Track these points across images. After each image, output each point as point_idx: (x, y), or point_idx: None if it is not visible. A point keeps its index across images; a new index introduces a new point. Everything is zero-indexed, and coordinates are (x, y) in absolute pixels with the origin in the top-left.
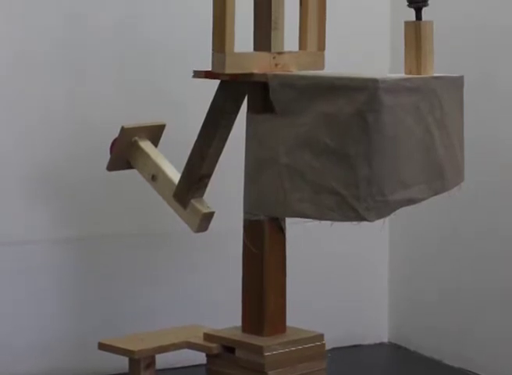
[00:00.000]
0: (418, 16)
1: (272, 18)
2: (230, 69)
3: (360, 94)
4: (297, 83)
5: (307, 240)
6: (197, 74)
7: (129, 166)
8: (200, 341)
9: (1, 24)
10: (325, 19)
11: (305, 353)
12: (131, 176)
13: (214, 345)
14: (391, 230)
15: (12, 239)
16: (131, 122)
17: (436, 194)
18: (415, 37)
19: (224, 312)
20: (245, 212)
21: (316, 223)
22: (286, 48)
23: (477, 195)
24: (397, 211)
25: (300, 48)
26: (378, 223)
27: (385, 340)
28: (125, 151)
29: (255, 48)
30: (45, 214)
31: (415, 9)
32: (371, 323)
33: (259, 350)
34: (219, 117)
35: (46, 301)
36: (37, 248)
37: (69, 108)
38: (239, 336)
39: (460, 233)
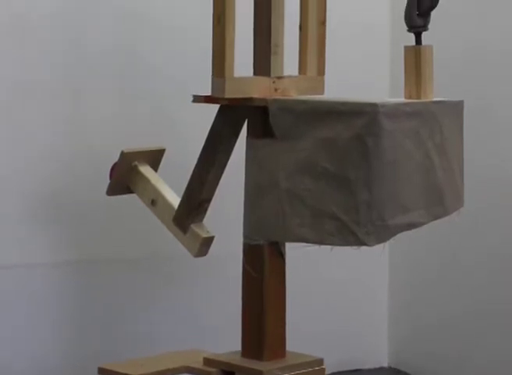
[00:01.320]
0: (418, 41)
1: (272, 43)
2: (230, 93)
3: (360, 118)
4: (297, 108)
5: (306, 264)
6: (197, 99)
7: (129, 191)
8: (199, 365)
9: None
10: (324, 43)
11: None
12: (131, 200)
13: (213, 370)
14: (391, 255)
15: (11, 262)
16: (131, 146)
17: (436, 218)
18: (415, 61)
19: (224, 337)
20: (245, 237)
21: (316, 247)
22: (286, 73)
23: (477, 221)
24: (397, 236)
25: (300, 72)
26: (378, 247)
27: (385, 364)
28: (125, 176)
29: (255, 73)
30: (45, 238)
31: (415, 34)
32: (371, 348)
33: None
34: (219, 142)
35: (45, 326)
36: (36, 271)
37: (69, 133)
38: (238, 360)
39: (460, 258)
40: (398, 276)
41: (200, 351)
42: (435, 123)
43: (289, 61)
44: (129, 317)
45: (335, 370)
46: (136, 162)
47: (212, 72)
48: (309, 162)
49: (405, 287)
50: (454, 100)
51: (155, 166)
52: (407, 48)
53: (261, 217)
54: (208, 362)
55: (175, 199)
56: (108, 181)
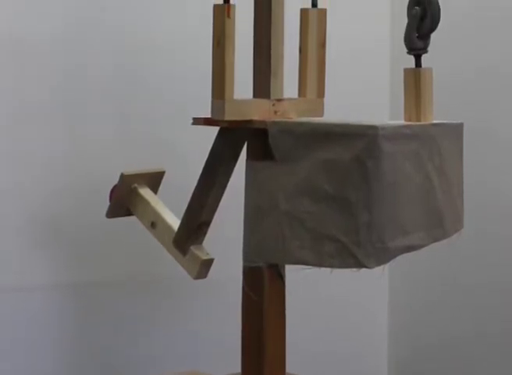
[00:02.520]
0: (418, 63)
1: (272, 65)
2: (230, 116)
3: (360, 140)
4: (297, 130)
5: (306, 286)
6: (197, 121)
7: (128, 213)
8: None
9: None
10: (324, 66)
11: None
12: (130, 223)
13: None
14: (390, 277)
15: (8, 285)
16: (130, 169)
17: (436, 241)
18: (415, 84)
19: (223, 359)
20: (244, 259)
21: (315, 269)
22: (286, 95)
23: (477, 243)
24: (397, 258)
25: (300, 95)
26: (378, 269)
27: None
28: (124, 198)
29: (254, 95)
30: (43, 260)
31: (415, 56)
32: (371, 369)
33: None
34: (218, 164)
35: (44, 350)
36: (35, 294)
37: (69, 155)
38: None
39: (460, 280)
40: (398, 298)
41: (199, 373)
42: (435, 146)
43: (288, 83)
44: (129, 339)
45: None
46: (135, 185)
47: (212, 94)
48: (309, 184)
49: (405, 309)
50: (454, 122)
51: (155, 189)
52: (406, 71)
53: (260, 239)
54: None
55: (174, 221)
56: (108, 203)
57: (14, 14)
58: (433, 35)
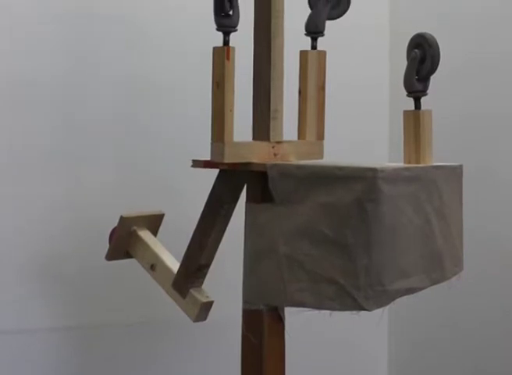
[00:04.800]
0: (417, 105)
1: (271, 108)
2: (229, 158)
3: (359, 183)
4: (296, 173)
5: (305, 329)
6: (196, 164)
7: (128, 256)
8: None
9: None
10: (324, 108)
11: None
12: (130, 265)
13: None
14: (390, 319)
15: (8, 328)
16: (130, 211)
17: (435, 283)
18: (414, 126)
19: None
20: (244, 302)
21: (315, 311)
22: (285, 138)
23: (477, 285)
24: (396, 300)
25: (299, 137)
26: (378, 312)
27: None
28: (124, 241)
29: (254, 138)
30: (43, 302)
31: (414, 99)
32: None
33: None
34: (218, 206)
35: None
36: (35, 337)
37: (68, 198)
38: None
39: (460, 321)
40: (397, 340)
41: None
42: (434, 188)
43: (288, 125)
44: None
45: None
46: (135, 227)
47: (212, 137)
48: (308, 227)
49: (404, 351)
50: (453, 165)
51: (154, 231)
52: (406, 113)
53: (260, 282)
54: None
55: (174, 264)
56: (108, 246)
57: (14, 58)
58: (432, 77)
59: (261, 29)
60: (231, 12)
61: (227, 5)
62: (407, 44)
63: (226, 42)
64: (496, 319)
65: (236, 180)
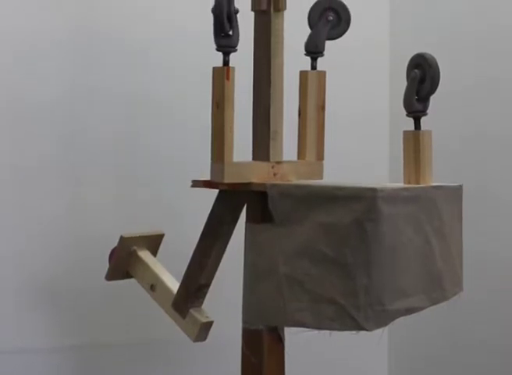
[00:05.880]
0: (417, 126)
1: (271, 129)
2: (229, 178)
3: (359, 203)
4: (296, 193)
5: (305, 348)
6: (196, 184)
7: (128, 276)
8: None
9: None
10: (323, 129)
11: None
12: (130, 285)
13: None
14: (390, 339)
15: (8, 348)
16: (130, 231)
17: (435, 303)
18: (414, 146)
19: None
20: (244, 322)
21: (315, 331)
22: (285, 158)
23: (478, 305)
24: (396, 320)
25: (299, 157)
26: (377, 331)
27: None
28: (124, 261)
29: (254, 158)
30: (43, 322)
31: (414, 119)
32: None
33: None
34: (218, 227)
35: None
36: (35, 357)
37: (68, 218)
38: None
39: (460, 342)
40: (397, 359)
41: None
42: (434, 208)
43: (288, 145)
44: None
45: None
46: (135, 247)
47: (211, 157)
48: (308, 247)
49: (404, 369)
50: (453, 185)
51: (154, 251)
52: (406, 133)
53: (260, 302)
54: None
55: (174, 284)
56: (107, 266)
57: (15, 77)
58: (432, 98)
59: (261, 49)
60: (231, 33)
61: (227, 25)
62: (406, 65)
63: (226, 62)
64: (495, 338)
65: (235, 200)
